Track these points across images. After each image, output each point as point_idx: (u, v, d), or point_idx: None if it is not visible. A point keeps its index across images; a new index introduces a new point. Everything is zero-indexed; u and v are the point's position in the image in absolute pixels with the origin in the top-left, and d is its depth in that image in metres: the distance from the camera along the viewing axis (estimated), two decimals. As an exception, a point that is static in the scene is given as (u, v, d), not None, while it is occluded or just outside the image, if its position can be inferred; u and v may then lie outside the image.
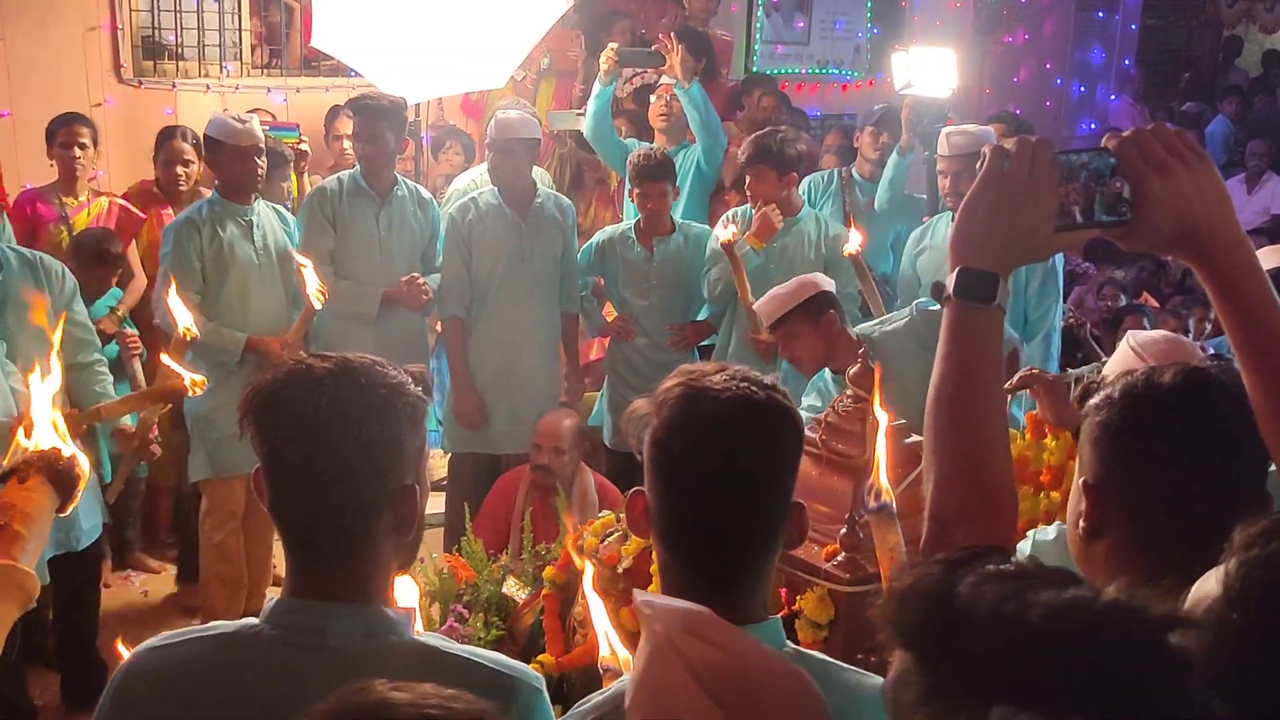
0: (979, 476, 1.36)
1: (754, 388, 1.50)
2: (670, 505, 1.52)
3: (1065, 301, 5.38)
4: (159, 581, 5.21)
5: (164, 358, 2.45)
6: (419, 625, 1.89)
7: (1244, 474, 1.48)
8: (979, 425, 1.37)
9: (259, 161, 4.49)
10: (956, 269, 1.36)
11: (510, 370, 4.82)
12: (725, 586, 1.50)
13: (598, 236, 5.08)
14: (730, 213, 4.95)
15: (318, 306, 3.24)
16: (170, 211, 5.21)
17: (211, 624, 1.59)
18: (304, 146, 5.63)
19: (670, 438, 1.49)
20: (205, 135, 4.57)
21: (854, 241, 4.27)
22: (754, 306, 4.09)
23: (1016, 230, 1.34)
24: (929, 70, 5.76)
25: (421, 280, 4.70)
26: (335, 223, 4.69)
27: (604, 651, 1.67)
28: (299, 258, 3.33)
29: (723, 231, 4.51)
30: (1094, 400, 1.56)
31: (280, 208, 4.86)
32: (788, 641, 1.59)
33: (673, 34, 5.53)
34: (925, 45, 6.09)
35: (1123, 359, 2.68)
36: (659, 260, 4.92)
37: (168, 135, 5.35)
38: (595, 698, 1.56)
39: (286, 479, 1.52)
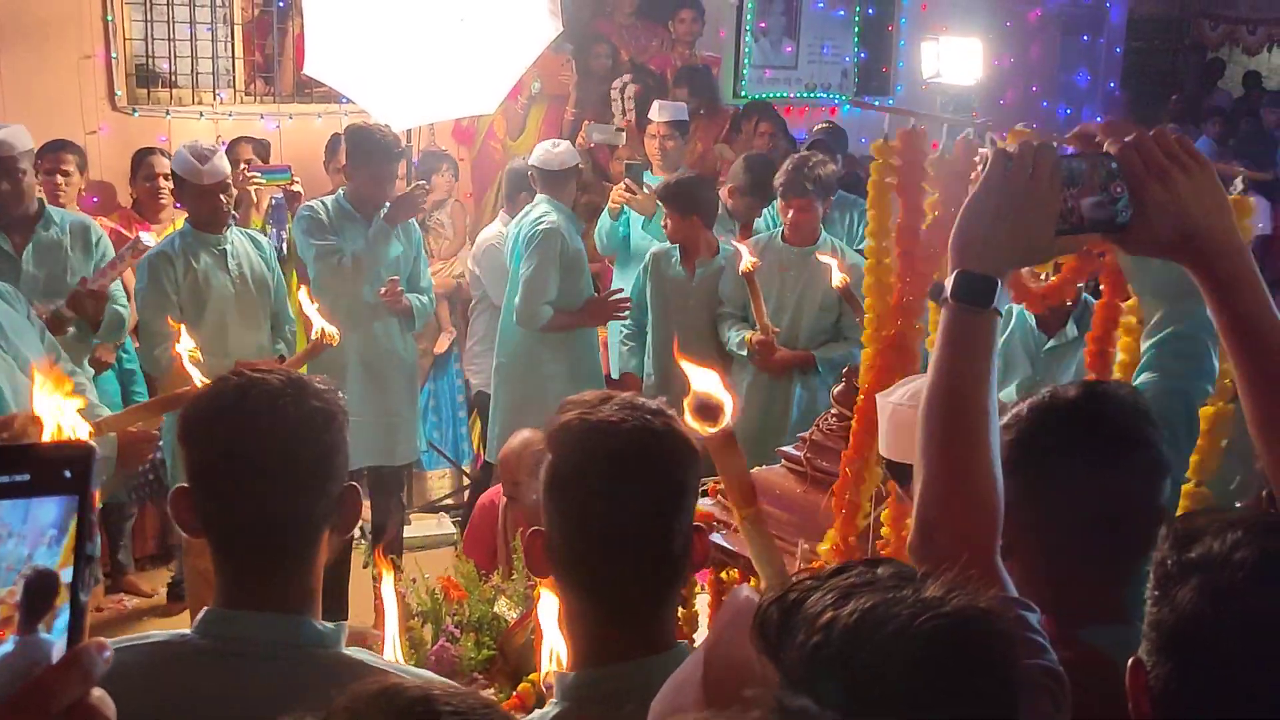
0: (965, 481, 1.37)
1: (649, 416, 1.48)
2: (573, 541, 1.48)
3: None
4: (153, 605, 5.23)
5: (185, 363, 2.46)
6: (391, 649, 1.90)
7: (1137, 482, 1.53)
8: (968, 430, 1.37)
9: (223, 198, 4.49)
10: (956, 271, 1.37)
11: (577, 371, 5.11)
12: (631, 618, 1.49)
13: (650, 253, 5.19)
14: (753, 240, 5.05)
15: (333, 340, 3.19)
16: (153, 232, 5.28)
17: (147, 633, 1.62)
18: (296, 188, 5.63)
19: (571, 473, 1.47)
20: (171, 171, 4.59)
21: (836, 272, 4.24)
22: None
23: (1017, 233, 1.35)
24: (956, 59, 5.83)
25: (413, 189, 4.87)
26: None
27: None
28: (305, 299, 3.30)
29: (745, 259, 4.52)
30: (1004, 420, 1.58)
31: (255, 234, 4.89)
32: None
33: (627, 179, 5.58)
34: (953, 35, 6.18)
35: None
36: (698, 281, 5.05)
37: (145, 154, 5.50)
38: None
39: (234, 490, 1.54)
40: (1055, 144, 1.42)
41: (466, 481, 6.30)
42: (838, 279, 4.13)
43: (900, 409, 2.21)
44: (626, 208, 5.62)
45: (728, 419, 1.55)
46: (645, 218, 5.52)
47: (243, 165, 5.60)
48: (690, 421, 1.54)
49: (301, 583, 1.57)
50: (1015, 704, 1.01)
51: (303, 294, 3.31)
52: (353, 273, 4.68)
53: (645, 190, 5.47)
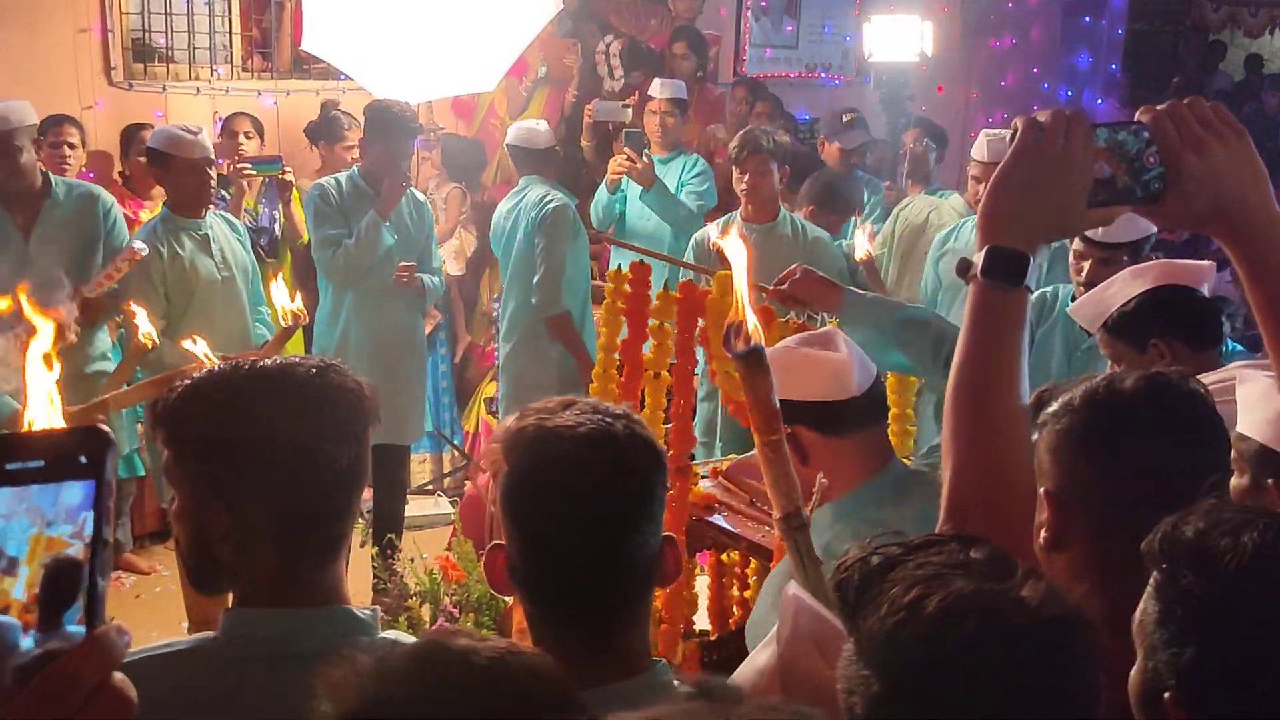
0: (998, 466, 1.33)
1: (608, 419, 1.39)
2: (533, 558, 1.39)
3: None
4: (150, 584, 5.22)
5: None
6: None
7: (1202, 481, 1.47)
8: (1000, 413, 1.33)
9: (210, 173, 4.42)
10: (985, 247, 1.32)
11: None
12: (601, 638, 1.40)
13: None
14: (723, 219, 4.98)
15: (296, 322, 3.13)
16: (145, 208, 5.26)
17: (166, 642, 1.48)
18: (289, 178, 5.57)
19: (525, 486, 1.38)
20: (149, 148, 4.48)
21: (861, 246, 4.19)
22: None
23: (1049, 205, 1.30)
24: (894, 37, 5.84)
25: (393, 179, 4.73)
26: (341, 215, 4.72)
27: None
28: (276, 286, 3.23)
29: (714, 234, 4.47)
30: (1052, 408, 1.54)
31: (230, 216, 4.84)
32: (673, 681, 1.47)
33: (627, 147, 5.50)
34: (891, 13, 6.22)
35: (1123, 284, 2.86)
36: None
37: (135, 129, 5.45)
38: None
39: (287, 477, 1.42)
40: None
41: (448, 467, 6.31)
42: (861, 252, 4.10)
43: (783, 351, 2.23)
44: (625, 180, 5.57)
45: (758, 340, 1.50)
46: (644, 189, 5.46)
47: (235, 158, 5.55)
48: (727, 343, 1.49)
49: (335, 573, 1.48)
50: (1091, 716, 1.00)
51: (275, 285, 3.23)
52: (345, 266, 4.66)
53: (645, 160, 5.41)
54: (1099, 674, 1.02)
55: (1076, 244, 3.83)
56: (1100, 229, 4.11)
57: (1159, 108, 1.31)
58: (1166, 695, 1.08)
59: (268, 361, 1.50)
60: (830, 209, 5.28)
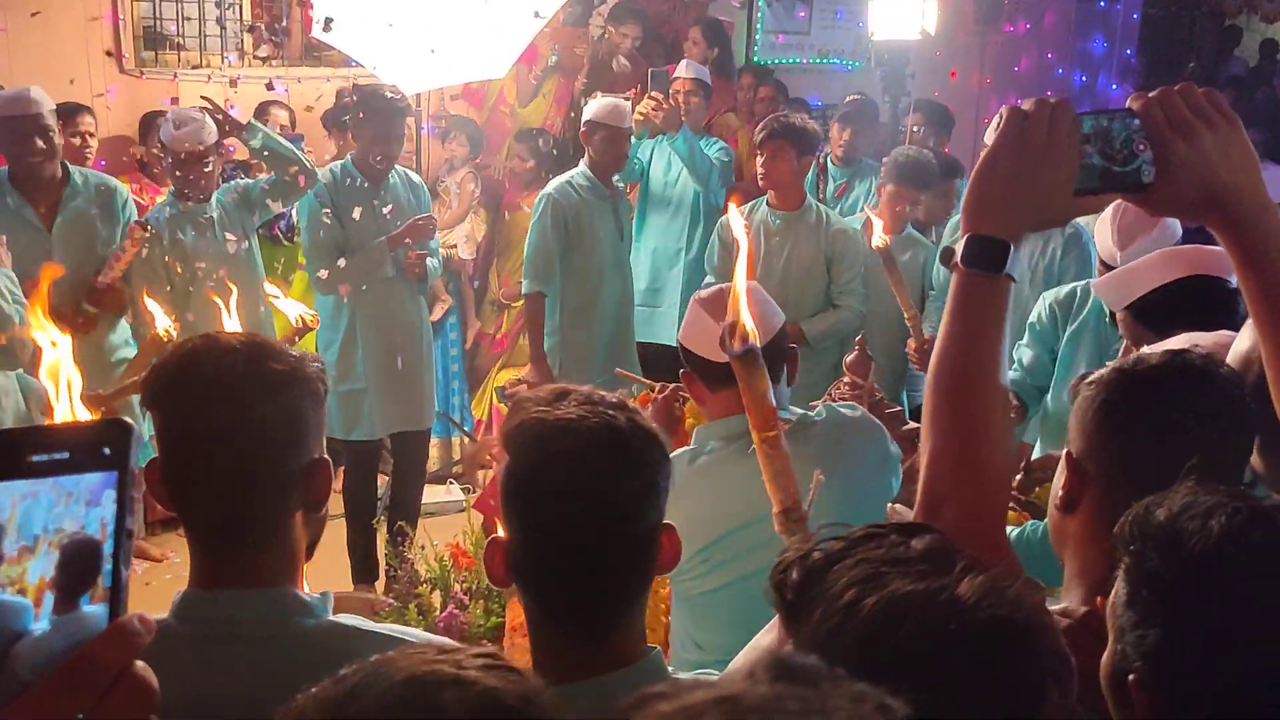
0: (974, 454, 1.33)
1: (611, 412, 1.39)
2: (535, 551, 1.40)
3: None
4: (161, 570, 5.24)
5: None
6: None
7: (1219, 461, 1.47)
8: (978, 402, 1.33)
9: (198, 167, 4.45)
10: (967, 235, 1.31)
11: (623, 341, 5.16)
12: (602, 628, 1.40)
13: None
14: (744, 207, 4.94)
15: (308, 325, 3.12)
16: (163, 194, 5.28)
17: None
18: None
19: (530, 479, 1.38)
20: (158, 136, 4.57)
21: (878, 232, 4.11)
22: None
23: (1034, 194, 1.29)
24: (895, 15, 5.83)
25: (423, 219, 4.76)
26: (334, 212, 4.70)
27: None
28: (269, 288, 3.23)
29: (736, 221, 4.39)
30: (1090, 378, 1.58)
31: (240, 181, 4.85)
32: (667, 667, 1.48)
33: (651, 91, 5.44)
34: None
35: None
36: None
37: (154, 116, 5.53)
38: None
39: (199, 455, 1.46)
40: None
41: (458, 454, 6.31)
42: (878, 239, 4.05)
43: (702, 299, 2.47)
44: (653, 144, 5.52)
45: (754, 340, 1.52)
46: (669, 135, 5.39)
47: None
48: (723, 340, 1.52)
49: (278, 557, 1.49)
50: (1034, 716, 0.98)
51: (269, 288, 3.22)
52: (338, 278, 4.66)
53: (670, 103, 5.34)
54: (1046, 671, 0.99)
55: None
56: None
57: (1150, 95, 1.29)
58: (1131, 677, 1.09)
59: (206, 346, 1.51)
60: (913, 185, 5.00)
